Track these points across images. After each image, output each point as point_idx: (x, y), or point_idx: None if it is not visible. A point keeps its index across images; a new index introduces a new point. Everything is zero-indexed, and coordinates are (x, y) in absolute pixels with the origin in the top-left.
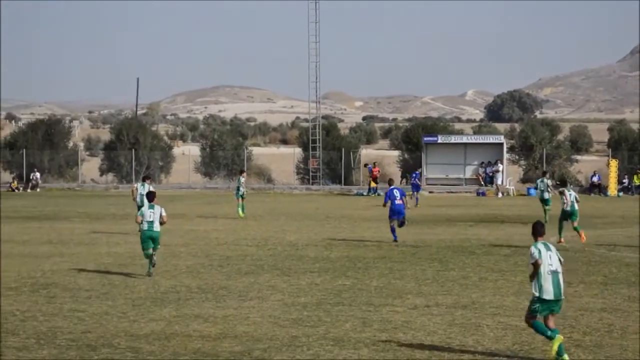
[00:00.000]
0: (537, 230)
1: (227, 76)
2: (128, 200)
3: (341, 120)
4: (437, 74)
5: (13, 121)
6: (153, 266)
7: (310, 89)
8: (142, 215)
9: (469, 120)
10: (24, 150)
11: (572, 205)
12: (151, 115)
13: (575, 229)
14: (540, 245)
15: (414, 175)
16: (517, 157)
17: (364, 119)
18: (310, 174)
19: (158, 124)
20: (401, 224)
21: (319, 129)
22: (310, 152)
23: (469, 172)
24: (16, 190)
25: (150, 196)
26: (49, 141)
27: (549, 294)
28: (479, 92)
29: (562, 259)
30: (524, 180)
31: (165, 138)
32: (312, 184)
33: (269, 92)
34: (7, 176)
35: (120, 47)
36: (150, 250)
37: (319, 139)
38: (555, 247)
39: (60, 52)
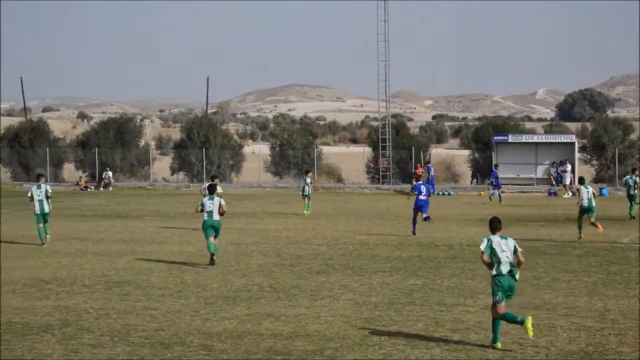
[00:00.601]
0: (494, 226)
1: (297, 75)
2: (199, 199)
3: (411, 119)
4: (508, 73)
5: (85, 120)
6: (214, 257)
7: (379, 87)
8: (202, 205)
9: (539, 120)
10: (96, 148)
11: (590, 202)
12: (221, 114)
13: (592, 223)
14: (494, 237)
15: (493, 174)
16: (589, 156)
17: (433, 117)
18: (380, 173)
19: (228, 122)
20: (425, 219)
21: (388, 127)
22: (380, 151)
23: (540, 171)
24: (89, 189)
25: (212, 189)
26: (120, 140)
27: (507, 282)
28: (549, 90)
29: (519, 249)
30: (596, 180)
31: (236, 137)
32: (382, 183)
33: (338, 91)
34: (77, 174)
35: (191, 46)
36: (212, 239)
37: (389, 138)
38: (512, 240)
39: (131, 51)
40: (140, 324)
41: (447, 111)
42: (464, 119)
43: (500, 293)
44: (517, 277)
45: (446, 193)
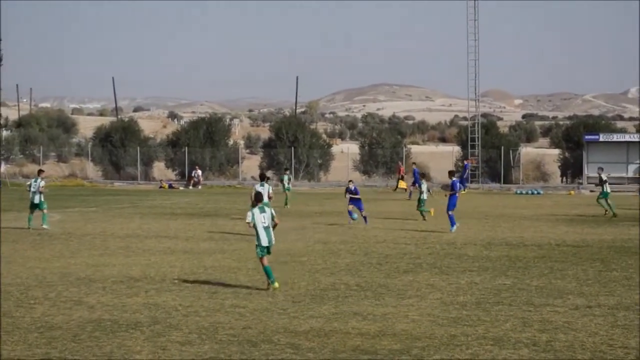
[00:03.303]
0: (256, 198)
1: (386, 74)
2: (277, 197)
3: (500, 119)
4: (599, 71)
5: (175, 119)
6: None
7: (469, 86)
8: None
9: (631, 119)
10: (186, 148)
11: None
12: (310, 114)
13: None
14: (255, 210)
15: None
16: None
17: (523, 117)
18: (469, 172)
19: (317, 122)
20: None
21: (478, 127)
22: (469, 151)
23: (631, 171)
24: (172, 187)
25: (262, 176)
26: (210, 139)
27: (264, 242)
28: None
29: (274, 214)
30: None
31: (324, 136)
32: (471, 183)
33: (427, 90)
34: (169, 173)
35: (280, 46)
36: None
37: (478, 137)
38: (269, 208)
39: (220, 51)
40: (228, 322)
41: (537, 110)
42: (554, 118)
43: (260, 252)
44: (271, 233)
45: (535, 192)
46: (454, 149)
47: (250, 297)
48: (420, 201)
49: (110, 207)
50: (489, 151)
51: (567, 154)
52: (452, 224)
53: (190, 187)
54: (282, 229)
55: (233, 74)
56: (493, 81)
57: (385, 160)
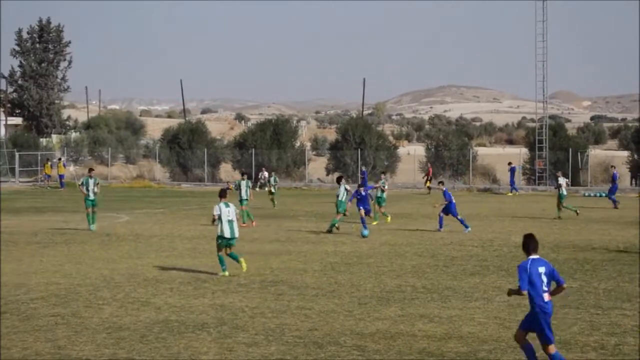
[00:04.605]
0: (221, 194)
1: (453, 76)
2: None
3: (568, 120)
4: None
5: (242, 121)
6: None
7: (537, 88)
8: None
9: None
10: (253, 149)
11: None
12: (377, 115)
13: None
14: (221, 204)
15: None
16: None
17: (592, 118)
18: (537, 174)
19: (384, 123)
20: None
21: (545, 129)
22: (537, 153)
23: None
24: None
25: (339, 179)
26: (276, 141)
27: (227, 234)
28: None
29: (237, 210)
30: None
31: (391, 138)
32: (539, 185)
33: (495, 92)
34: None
35: (347, 48)
36: None
37: (546, 139)
38: (233, 205)
39: (288, 53)
40: (294, 324)
41: (605, 112)
42: (624, 120)
43: (222, 242)
44: (234, 227)
45: (603, 195)
46: (522, 151)
47: (316, 299)
48: (379, 199)
49: (178, 209)
50: (556, 153)
51: (636, 156)
52: (438, 225)
53: (257, 189)
54: (348, 231)
55: (300, 75)
56: (561, 83)
57: (452, 162)
